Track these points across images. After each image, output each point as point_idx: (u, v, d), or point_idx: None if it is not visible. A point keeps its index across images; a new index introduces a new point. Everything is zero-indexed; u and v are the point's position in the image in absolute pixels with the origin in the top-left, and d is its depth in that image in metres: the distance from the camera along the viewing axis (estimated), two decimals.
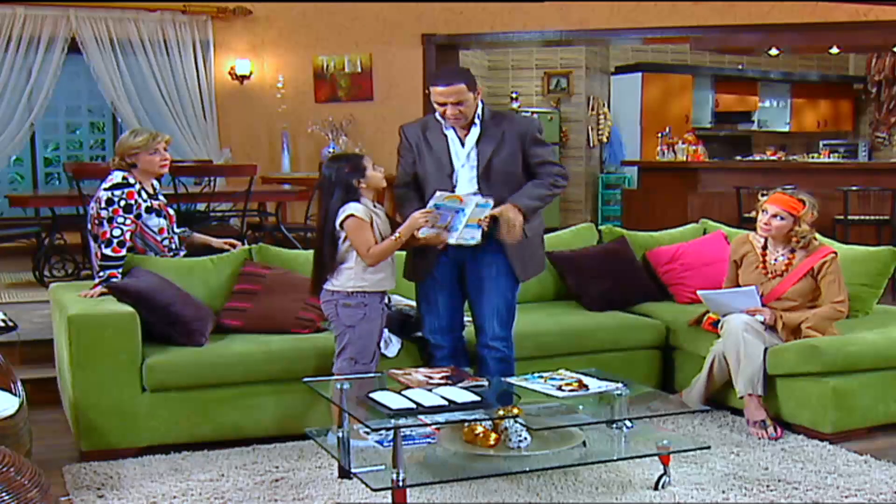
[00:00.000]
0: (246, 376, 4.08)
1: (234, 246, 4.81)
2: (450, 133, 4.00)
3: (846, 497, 3.43)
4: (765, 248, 4.50)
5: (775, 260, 4.44)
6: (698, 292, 4.59)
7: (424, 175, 4.04)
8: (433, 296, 4.09)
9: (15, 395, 3.46)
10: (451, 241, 3.83)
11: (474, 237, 3.83)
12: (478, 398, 3.37)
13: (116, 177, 4.47)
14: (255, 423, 4.09)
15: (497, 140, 3.94)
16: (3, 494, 2.59)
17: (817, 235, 4.52)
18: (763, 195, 4.49)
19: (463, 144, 3.99)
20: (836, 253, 4.39)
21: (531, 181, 3.97)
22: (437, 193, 3.84)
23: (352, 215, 3.85)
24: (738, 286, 4.55)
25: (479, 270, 4.02)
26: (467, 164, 3.97)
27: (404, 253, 4.15)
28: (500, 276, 4.01)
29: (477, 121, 3.97)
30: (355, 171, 3.92)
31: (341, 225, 3.85)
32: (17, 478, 2.66)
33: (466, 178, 3.96)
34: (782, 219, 4.36)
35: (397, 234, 3.86)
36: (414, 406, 3.26)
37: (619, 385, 3.59)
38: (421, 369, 3.81)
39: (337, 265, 3.88)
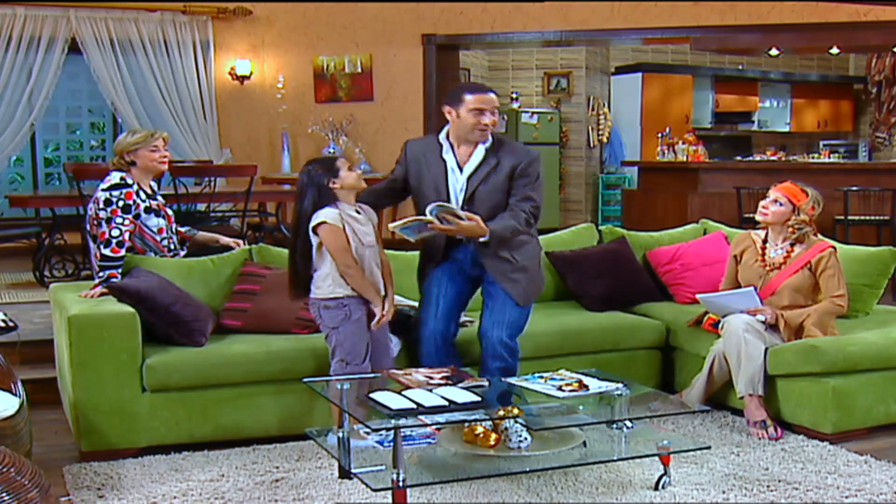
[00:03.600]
0: (246, 376, 4.08)
1: (239, 245, 4.82)
2: (448, 158, 4.05)
3: (846, 497, 3.43)
4: (765, 241, 4.52)
5: (774, 253, 4.46)
6: (697, 296, 4.59)
7: (423, 194, 4.09)
8: (434, 292, 4.11)
9: (15, 395, 3.47)
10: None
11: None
12: (478, 398, 3.37)
13: (114, 177, 4.48)
14: (255, 424, 4.09)
15: (490, 168, 4.01)
16: (4, 495, 2.59)
17: (819, 235, 4.53)
18: (773, 186, 4.51)
19: (461, 169, 4.04)
20: (834, 247, 4.40)
21: (507, 212, 3.99)
22: (398, 230, 3.89)
23: (324, 222, 3.81)
24: (737, 282, 4.57)
25: (494, 283, 4.08)
26: (462, 191, 4.03)
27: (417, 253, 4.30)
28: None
29: (484, 145, 4.03)
30: (328, 171, 3.85)
31: (314, 231, 3.83)
32: (18, 478, 2.66)
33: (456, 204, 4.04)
34: (781, 204, 4.39)
35: (380, 297, 3.88)
36: (414, 406, 3.26)
37: (620, 385, 3.59)
38: (421, 369, 3.81)
39: (313, 272, 3.89)
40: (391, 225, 3.88)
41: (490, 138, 4.05)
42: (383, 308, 3.92)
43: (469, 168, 4.03)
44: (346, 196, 3.89)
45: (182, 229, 4.87)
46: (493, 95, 4.02)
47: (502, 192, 4.00)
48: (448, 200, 3.99)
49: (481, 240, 3.91)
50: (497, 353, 4.03)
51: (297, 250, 3.89)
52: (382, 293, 3.96)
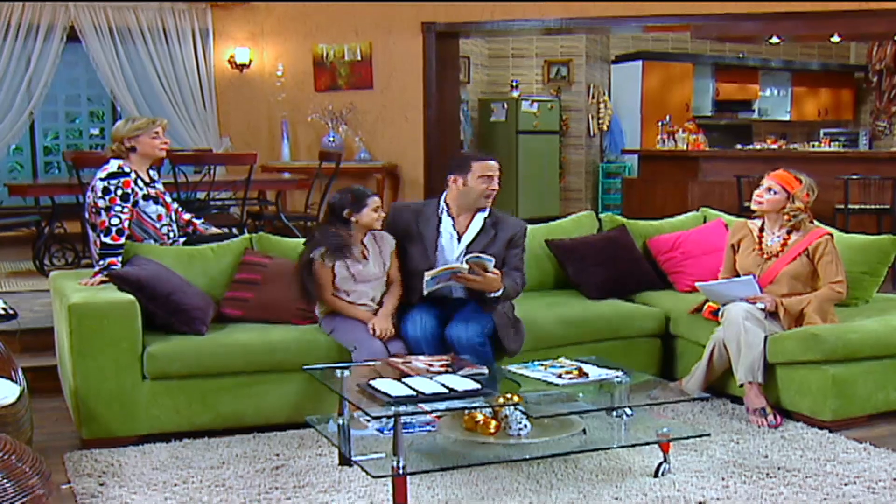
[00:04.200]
0: (247, 366, 4.08)
1: None
2: (447, 225, 4.24)
3: (845, 484, 3.44)
4: (762, 230, 4.52)
5: (771, 241, 4.47)
6: (697, 284, 4.60)
7: (410, 258, 4.25)
8: (417, 316, 4.16)
9: (16, 382, 3.47)
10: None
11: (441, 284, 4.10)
12: (478, 386, 3.37)
13: (112, 166, 4.48)
14: (255, 412, 4.09)
15: (489, 239, 4.23)
16: (5, 481, 2.59)
17: (815, 221, 4.53)
18: (767, 174, 4.52)
19: (459, 238, 4.23)
20: (831, 234, 4.41)
21: (504, 276, 4.17)
22: (426, 278, 4.03)
23: (313, 259, 4.13)
24: (735, 271, 4.57)
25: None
26: (460, 259, 4.15)
27: None
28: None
29: (483, 215, 4.25)
30: (353, 203, 4.11)
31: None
32: (19, 465, 2.66)
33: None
34: (775, 192, 4.40)
35: (367, 314, 4.13)
36: (414, 394, 3.27)
37: (619, 373, 3.60)
38: (421, 357, 3.82)
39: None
40: (426, 274, 4.03)
41: (488, 208, 4.27)
42: (374, 323, 4.12)
43: (468, 237, 4.24)
44: (358, 230, 4.14)
45: (197, 221, 4.90)
46: (496, 163, 4.23)
47: (499, 262, 4.18)
48: (435, 266, 4.14)
49: (493, 294, 4.11)
50: (464, 346, 4.03)
51: (304, 268, 4.16)
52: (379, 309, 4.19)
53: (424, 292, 4.07)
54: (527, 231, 4.43)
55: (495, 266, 4.11)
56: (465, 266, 4.02)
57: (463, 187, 4.20)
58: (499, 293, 4.12)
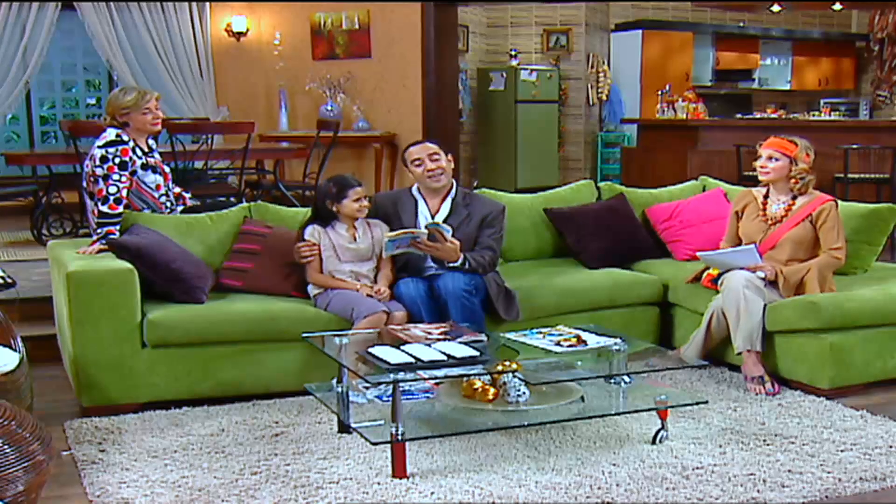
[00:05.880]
0: (247, 335, 4.08)
1: None
2: (422, 208, 4.37)
3: (842, 451, 3.46)
4: (766, 196, 4.53)
5: (776, 207, 4.47)
6: (699, 254, 4.59)
7: None
8: (408, 279, 4.25)
9: (15, 350, 3.48)
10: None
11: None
12: (476, 353, 3.38)
13: (110, 134, 4.45)
14: (255, 380, 4.10)
15: (462, 219, 4.34)
16: (5, 447, 2.60)
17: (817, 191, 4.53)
18: (759, 145, 4.53)
19: (432, 219, 4.32)
20: (836, 201, 4.42)
21: (475, 251, 4.29)
22: (385, 240, 4.15)
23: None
24: (738, 239, 4.57)
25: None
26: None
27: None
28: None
29: (450, 197, 4.38)
30: (335, 194, 4.24)
31: None
32: (19, 431, 2.67)
33: None
34: (777, 160, 4.42)
35: (350, 283, 4.20)
36: (413, 361, 3.28)
37: (618, 341, 3.60)
38: (420, 325, 3.82)
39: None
40: (386, 234, 4.18)
41: (455, 190, 4.40)
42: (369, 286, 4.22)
43: (440, 217, 4.34)
44: (344, 218, 4.28)
45: (186, 195, 4.88)
46: (426, 144, 4.40)
47: (472, 242, 4.28)
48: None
49: (452, 264, 4.19)
50: (451, 294, 4.11)
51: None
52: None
53: (384, 255, 4.23)
54: (504, 211, 4.47)
55: (468, 245, 4.22)
56: (425, 231, 4.12)
57: (412, 175, 4.40)
58: (458, 264, 4.18)
